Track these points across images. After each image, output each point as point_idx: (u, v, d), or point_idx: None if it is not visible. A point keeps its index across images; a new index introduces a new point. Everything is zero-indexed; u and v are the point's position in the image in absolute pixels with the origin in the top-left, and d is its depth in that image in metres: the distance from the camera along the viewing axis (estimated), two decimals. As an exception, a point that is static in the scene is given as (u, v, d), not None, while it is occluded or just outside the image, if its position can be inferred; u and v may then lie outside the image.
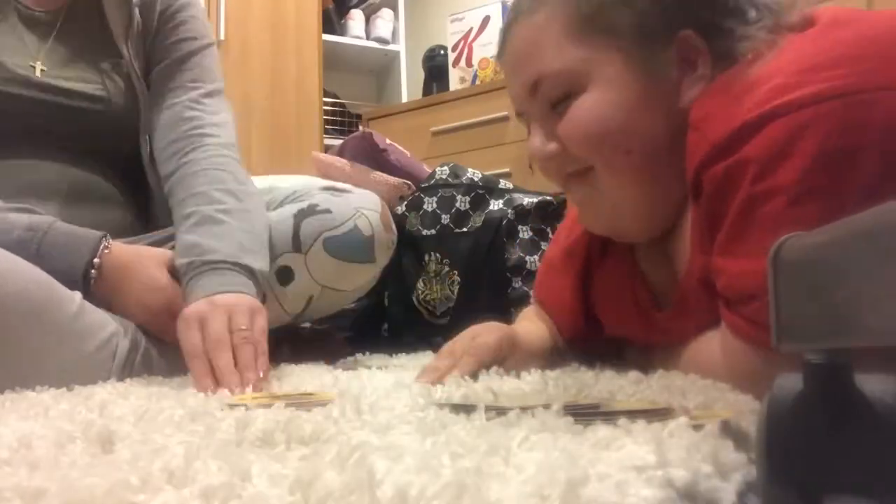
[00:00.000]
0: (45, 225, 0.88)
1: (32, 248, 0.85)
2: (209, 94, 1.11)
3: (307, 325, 1.27)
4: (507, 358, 0.76)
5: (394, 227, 1.16)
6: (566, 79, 0.70)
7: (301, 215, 1.06)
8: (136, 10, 1.10)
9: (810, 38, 0.61)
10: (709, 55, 0.67)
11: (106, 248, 0.90)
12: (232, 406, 0.58)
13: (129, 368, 0.87)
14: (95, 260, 0.89)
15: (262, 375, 0.75)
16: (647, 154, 0.69)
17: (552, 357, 0.87)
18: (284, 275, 1.05)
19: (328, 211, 1.07)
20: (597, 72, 0.69)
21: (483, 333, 0.77)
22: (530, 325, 0.91)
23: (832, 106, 0.53)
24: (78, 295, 0.84)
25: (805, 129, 0.54)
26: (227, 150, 1.05)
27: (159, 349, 0.91)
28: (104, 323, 0.86)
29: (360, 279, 1.12)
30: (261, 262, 0.93)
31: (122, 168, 1.12)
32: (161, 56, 1.12)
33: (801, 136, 0.54)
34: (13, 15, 1.05)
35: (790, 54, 0.59)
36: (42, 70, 1.03)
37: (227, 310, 0.81)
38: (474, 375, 0.70)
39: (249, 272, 0.90)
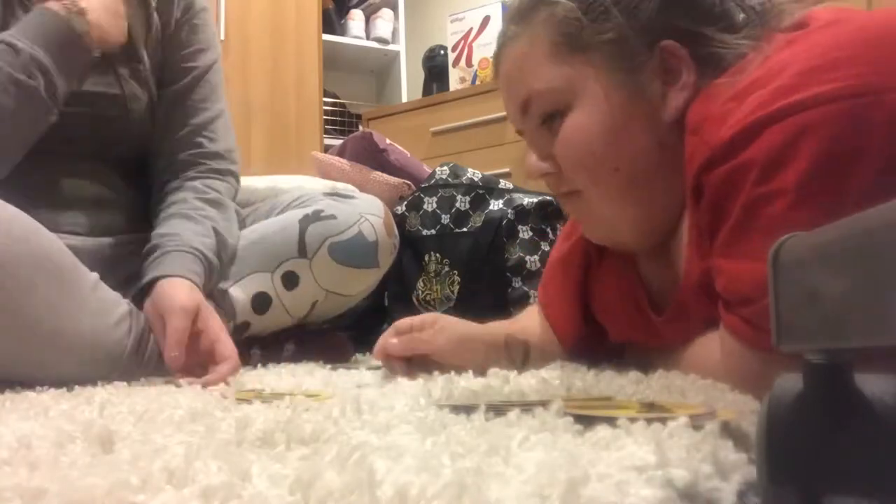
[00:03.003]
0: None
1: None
2: (214, 119, 1.14)
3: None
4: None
5: (396, 231, 1.17)
6: (552, 97, 0.71)
7: (306, 221, 1.08)
8: (155, 14, 1.09)
9: (810, 39, 0.60)
10: (693, 63, 0.67)
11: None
12: (240, 401, 0.58)
13: (144, 348, 0.88)
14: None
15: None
16: (636, 169, 0.69)
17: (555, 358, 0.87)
18: (290, 280, 1.06)
19: (333, 217, 1.09)
20: (580, 90, 0.70)
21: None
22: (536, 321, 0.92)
23: (835, 108, 0.53)
24: (95, 275, 0.87)
25: (807, 132, 0.53)
26: (219, 175, 1.13)
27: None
28: (118, 301, 0.89)
29: (363, 284, 1.14)
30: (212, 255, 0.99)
31: (128, 169, 1.12)
32: (175, 65, 1.12)
33: (803, 139, 0.53)
34: (20, 12, 0.99)
35: (791, 55, 0.59)
36: None
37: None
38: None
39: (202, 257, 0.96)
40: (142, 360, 0.87)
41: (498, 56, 0.77)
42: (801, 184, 0.53)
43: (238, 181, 1.19)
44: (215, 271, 0.99)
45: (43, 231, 0.80)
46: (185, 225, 0.99)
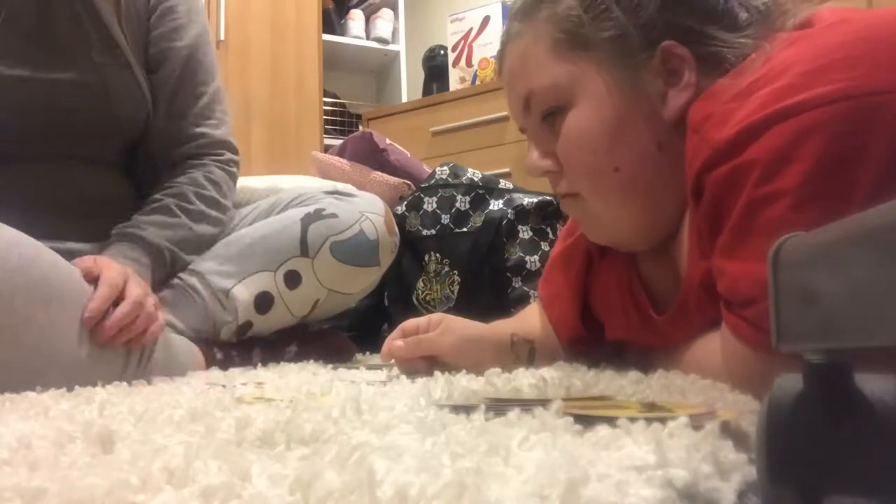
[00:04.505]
0: None
1: None
2: (210, 103, 1.13)
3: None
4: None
5: (396, 229, 1.18)
6: (554, 95, 0.72)
7: (308, 219, 1.08)
8: None
9: (813, 38, 0.60)
10: (694, 63, 0.67)
11: None
12: (242, 402, 0.58)
13: (147, 359, 0.88)
14: None
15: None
16: (636, 168, 0.69)
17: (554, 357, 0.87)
18: (292, 279, 1.06)
19: (334, 215, 1.09)
20: (581, 87, 0.70)
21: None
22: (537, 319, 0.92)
23: (837, 109, 0.53)
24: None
25: (809, 133, 0.53)
26: (220, 164, 1.13)
27: (165, 349, 0.92)
28: None
29: (364, 282, 1.14)
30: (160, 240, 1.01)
31: (124, 170, 1.12)
32: (158, 45, 1.09)
33: (805, 139, 0.53)
34: None
35: (794, 55, 0.58)
36: None
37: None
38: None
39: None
40: (143, 371, 0.87)
41: (501, 53, 0.78)
42: (803, 185, 0.53)
43: (238, 168, 1.18)
44: (167, 259, 1.02)
45: (43, 254, 0.79)
46: (153, 217, 1.03)
